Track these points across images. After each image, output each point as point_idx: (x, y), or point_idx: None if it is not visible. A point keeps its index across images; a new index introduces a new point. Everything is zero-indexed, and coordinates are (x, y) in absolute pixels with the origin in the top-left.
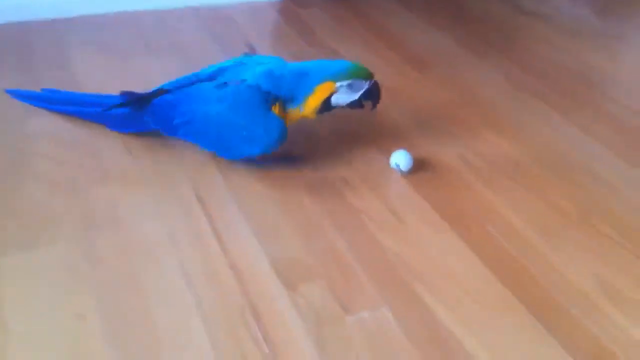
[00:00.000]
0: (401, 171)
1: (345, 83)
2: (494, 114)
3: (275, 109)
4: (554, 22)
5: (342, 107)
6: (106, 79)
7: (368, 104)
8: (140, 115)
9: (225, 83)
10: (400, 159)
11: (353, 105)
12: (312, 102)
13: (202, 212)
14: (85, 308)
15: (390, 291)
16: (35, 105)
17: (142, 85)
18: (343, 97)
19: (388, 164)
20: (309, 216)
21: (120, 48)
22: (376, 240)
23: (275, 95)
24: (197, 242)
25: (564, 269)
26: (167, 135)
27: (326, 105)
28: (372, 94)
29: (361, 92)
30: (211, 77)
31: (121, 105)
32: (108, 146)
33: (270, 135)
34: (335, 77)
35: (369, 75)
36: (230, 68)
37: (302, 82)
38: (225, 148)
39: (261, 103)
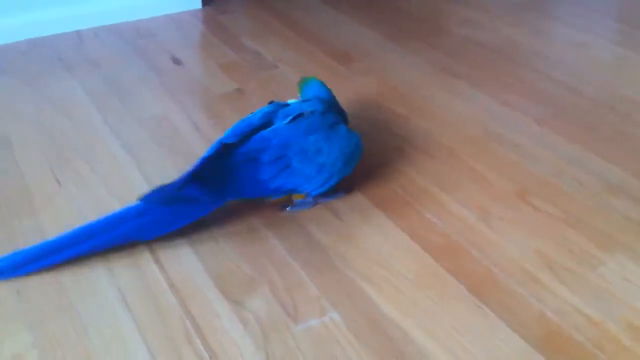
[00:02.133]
0: None
1: None
2: (421, 99)
3: None
4: (474, 3)
5: None
6: (23, 105)
7: None
8: (196, 194)
9: (297, 116)
10: None
11: None
12: None
13: None
14: (21, 347)
15: (336, 293)
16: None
17: (63, 107)
18: None
19: None
20: (246, 224)
21: (37, 73)
22: (315, 240)
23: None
24: (132, 264)
25: (505, 248)
26: (249, 197)
27: None
28: None
29: None
30: (265, 122)
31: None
32: (33, 177)
33: (360, 149)
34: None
35: None
36: (278, 110)
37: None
38: (325, 179)
39: (341, 124)
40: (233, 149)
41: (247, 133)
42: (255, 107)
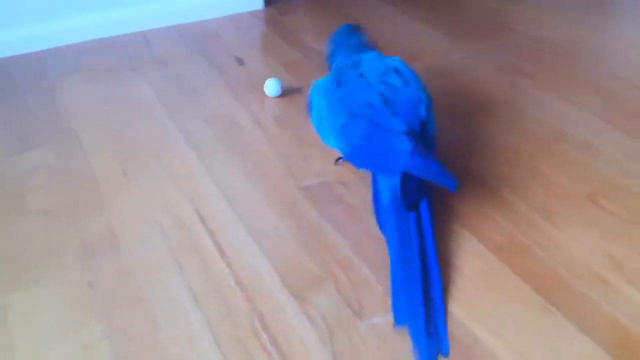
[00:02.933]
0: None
1: None
2: (484, 98)
3: None
4: (536, 1)
5: None
6: (92, 102)
7: None
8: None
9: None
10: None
11: None
12: None
13: (203, 228)
14: (92, 338)
15: None
16: None
17: (131, 105)
18: None
19: None
20: (309, 221)
21: (105, 71)
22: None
23: None
24: (199, 259)
25: (572, 249)
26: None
27: None
28: None
29: None
30: (384, 95)
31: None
32: (102, 172)
33: None
34: None
35: None
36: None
37: None
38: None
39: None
40: (405, 125)
41: (383, 107)
42: None
